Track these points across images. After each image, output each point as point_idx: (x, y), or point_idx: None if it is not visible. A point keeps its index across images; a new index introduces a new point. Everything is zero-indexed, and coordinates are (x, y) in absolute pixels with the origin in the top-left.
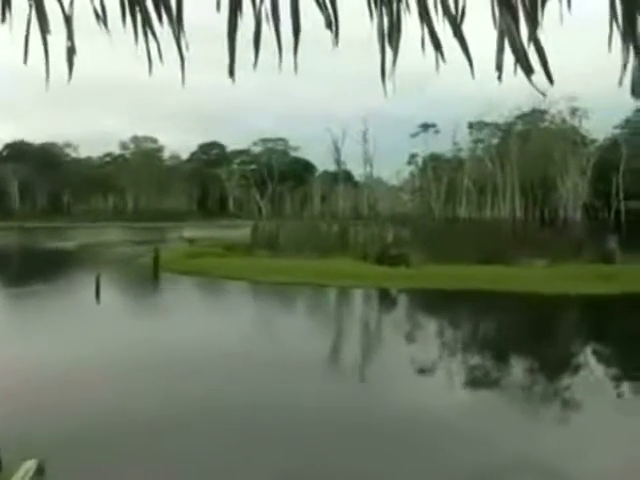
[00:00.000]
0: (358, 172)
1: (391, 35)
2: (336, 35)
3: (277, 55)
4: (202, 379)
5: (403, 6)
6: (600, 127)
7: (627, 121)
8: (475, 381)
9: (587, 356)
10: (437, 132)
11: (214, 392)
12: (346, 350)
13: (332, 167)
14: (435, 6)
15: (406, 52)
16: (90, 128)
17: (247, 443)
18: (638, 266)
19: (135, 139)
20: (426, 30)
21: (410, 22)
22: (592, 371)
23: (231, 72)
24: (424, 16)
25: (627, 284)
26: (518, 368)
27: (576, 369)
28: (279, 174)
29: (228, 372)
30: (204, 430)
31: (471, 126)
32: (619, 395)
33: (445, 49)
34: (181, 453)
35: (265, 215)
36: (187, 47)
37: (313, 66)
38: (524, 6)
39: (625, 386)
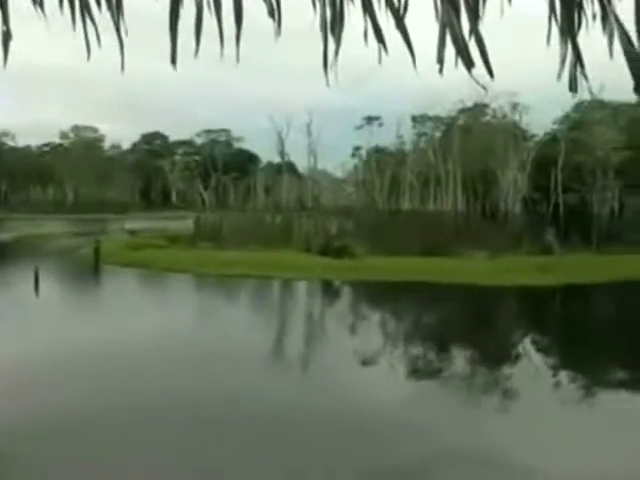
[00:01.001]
0: (302, 164)
1: (334, 26)
2: (279, 24)
3: (221, 45)
4: (135, 374)
5: None
6: (540, 122)
7: (566, 117)
8: (414, 371)
9: (526, 346)
10: (381, 125)
11: (144, 388)
12: (289, 343)
13: (276, 159)
14: None
15: (351, 44)
16: (29, 116)
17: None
18: (575, 257)
19: (75, 128)
20: (369, 22)
21: (354, 14)
22: (530, 360)
23: (173, 60)
24: (367, 7)
25: (564, 275)
26: (458, 358)
27: (515, 359)
28: (223, 165)
29: (164, 367)
30: (126, 430)
31: (414, 119)
32: (556, 384)
33: (390, 42)
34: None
35: (208, 206)
36: (126, 32)
37: (257, 56)
38: (466, 0)
39: (562, 375)
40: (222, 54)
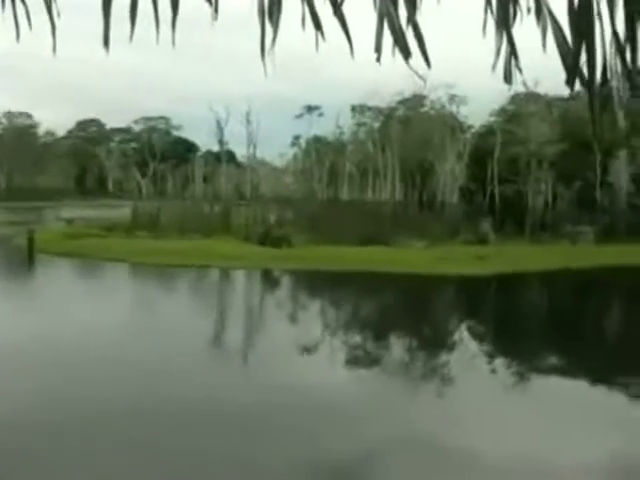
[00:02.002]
0: (241, 153)
1: (272, 11)
2: (216, 9)
3: (157, 30)
4: (69, 369)
5: None
6: (477, 114)
7: (502, 110)
8: (353, 360)
9: (463, 333)
10: (321, 115)
11: (75, 386)
12: (228, 332)
13: (215, 147)
14: None
15: (291, 32)
16: None
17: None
18: (510, 247)
19: (8, 114)
20: (307, 8)
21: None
22: (467, 347)
23: (105, 42)
24: None
25: (499, 264)
26: (397, 346)
27: (453, 346)
28: (161, 153)
29: (91, 362)
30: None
31: (354, 109)
32: (492, 371)
33: (331, 31)
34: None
35: (146, 195)
36: (58, 14)
37: (196, 43)
38: None
39: (497, 362)
40: (158, 39)
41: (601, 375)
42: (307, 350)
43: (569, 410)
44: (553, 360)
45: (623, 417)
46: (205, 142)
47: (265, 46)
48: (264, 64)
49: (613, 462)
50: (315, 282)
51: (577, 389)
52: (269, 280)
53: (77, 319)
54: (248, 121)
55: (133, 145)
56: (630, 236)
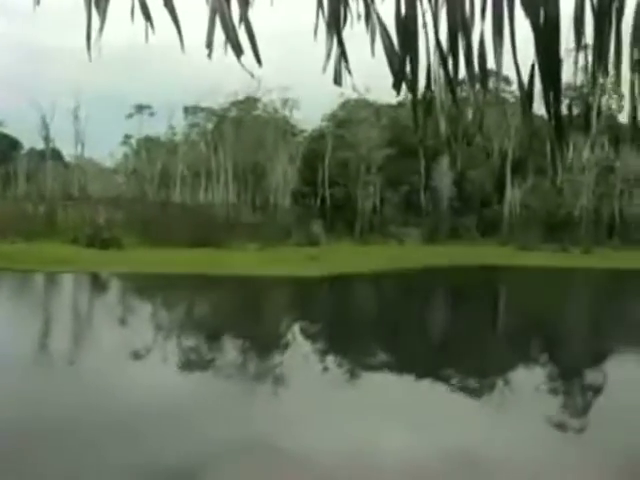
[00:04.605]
0: (69, 151)
1: (99, 0)
2: None
3: None
4: None
5: None
6: (310, 119)
7: (333, 115)
8: (185, 363)
9: (295, 333)
10: (152, 114)
11: None
12: (51, 340)
13: (40, 145)
14: None
15: (127, 30)
16: None
17: None
18: (340, 248)
19: None
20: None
21: None
22: (300, 348)
23: None
24: None
25: (330, 266)
26: (230, 348)
27: (285, 346)
28: None
29: None
30: None
31: (187, 110)
32: (325, 369)
33: (164, 30)
34: None
35: None
36: None
37: (20, 34)
38: None
39: (329, 360)
40: None
41: (425, 370)
42: (134, 354)
43: (397, 404)
44: (382, 357)
45: (445, 409)
46: (29, 139)
47: (91, 37)
48: (90, 56)
49: (440, 453)
50: (145, 285)
51: (404, 384)
52: (98, 284)
53: None
54: (76, 117)
55: None
56: (451, 237)
